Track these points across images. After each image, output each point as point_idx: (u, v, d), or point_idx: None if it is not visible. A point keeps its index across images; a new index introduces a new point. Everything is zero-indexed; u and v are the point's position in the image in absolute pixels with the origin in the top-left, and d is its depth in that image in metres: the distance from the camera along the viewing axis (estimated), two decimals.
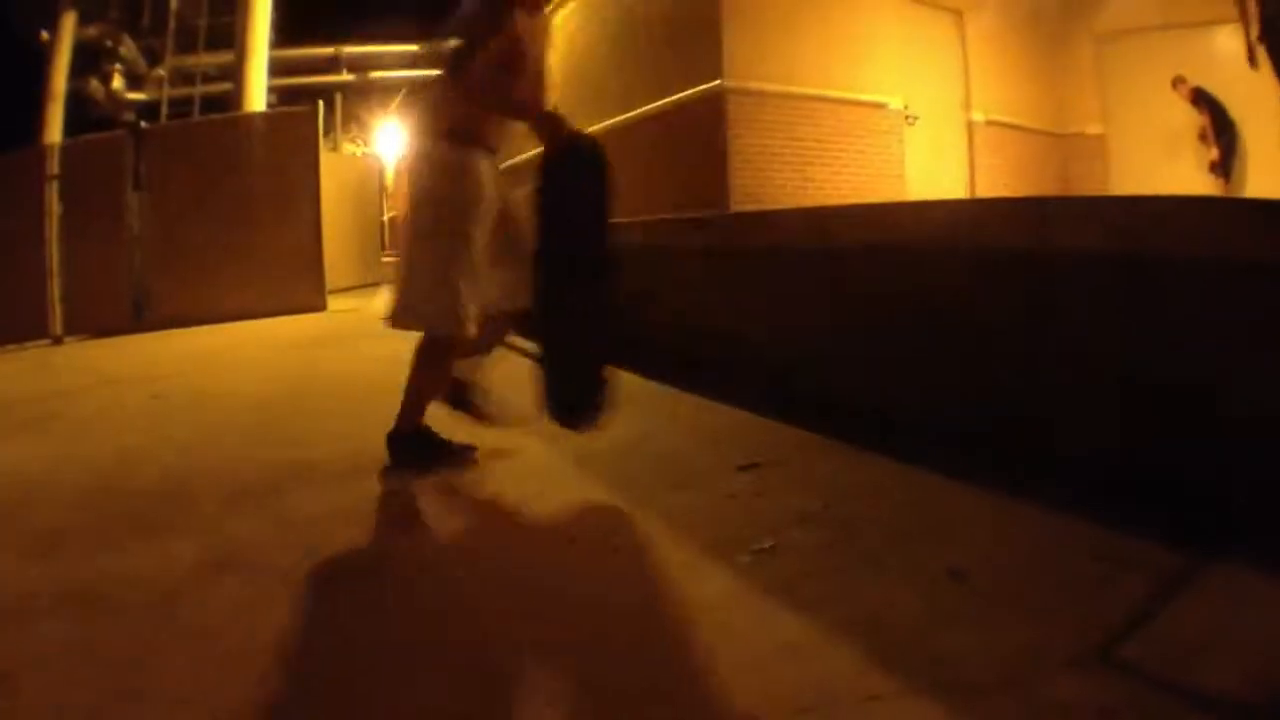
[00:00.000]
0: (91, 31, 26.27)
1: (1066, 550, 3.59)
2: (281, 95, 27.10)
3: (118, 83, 27.94)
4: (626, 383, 7.28)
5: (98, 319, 17.09)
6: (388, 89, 33.15)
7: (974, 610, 3.16)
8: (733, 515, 4.39)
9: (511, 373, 6.34)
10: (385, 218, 32.74)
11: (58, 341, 16.73)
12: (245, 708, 2.95)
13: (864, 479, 4.71)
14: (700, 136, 12.74)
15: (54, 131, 22.43)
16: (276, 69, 24.46)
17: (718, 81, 12.37)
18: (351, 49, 28.99)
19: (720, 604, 3.43)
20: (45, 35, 24.16)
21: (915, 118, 14.41)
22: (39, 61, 24.37)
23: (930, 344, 5.30)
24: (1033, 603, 3.19)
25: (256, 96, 21.31)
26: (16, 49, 25.71)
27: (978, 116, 15.71)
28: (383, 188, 30.31)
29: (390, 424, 5.85)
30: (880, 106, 14.15)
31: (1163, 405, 4.04)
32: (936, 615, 3.15)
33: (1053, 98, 17.57)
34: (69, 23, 24.06)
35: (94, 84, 27.21)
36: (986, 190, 15.52)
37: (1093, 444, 4.33)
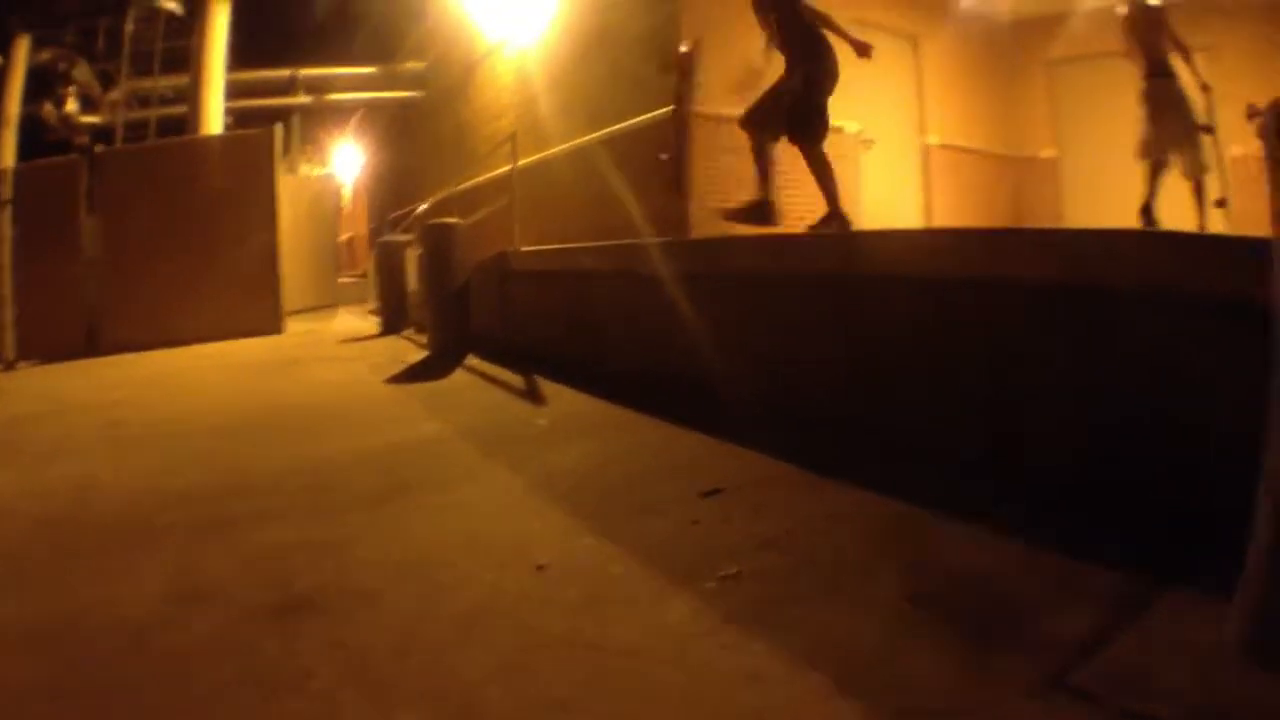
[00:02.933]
0: (45, 55, 26.18)
1: (1024, 577, 3.60)
2: (239, 117, 26.99)
3: (72, 106, 27.77)
4: (588, 407, 7.33)
5: (52, 344, 16.99)
6: (344, 111, 33.15)
7: (934, 636, 3.18)
8: (697, 541, 4.40)
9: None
10: (342, 239, 32.72)
11: (10, 367, 16.70)
12: None
13: (824, 505, 4.71)
14: (657, 161, 12.82)
15: (6, 156, 22.32)
16: (233, 91, 24.36)
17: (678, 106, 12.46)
18: (308, 71, 28.94)
19: (686, 630, 3.44)
20: (1, 60, 24.10)
21: (871, 141, 14.55)
22: None
23: (883, 369, 5.34)
24: (991, 629, 3.20)
25: (214, 119, 21.28)
26: None
27: (932, 140, 15.91)
28: (339, 209, 30.29)
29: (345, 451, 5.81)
30: (836, 130, 14.21)
31: (1118, 432, 4.08)
32: (898, 642, 3.16)
33: (1006, 122, 17.83)
34: (22, 48, 23.94)
35: (47, 108, 27.04)
36: (941, 212, 15.65)
37: (1049, 470, 4.36)
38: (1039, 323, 4.52)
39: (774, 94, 8.91)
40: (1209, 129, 12.03)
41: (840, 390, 5.77)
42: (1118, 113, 16.17)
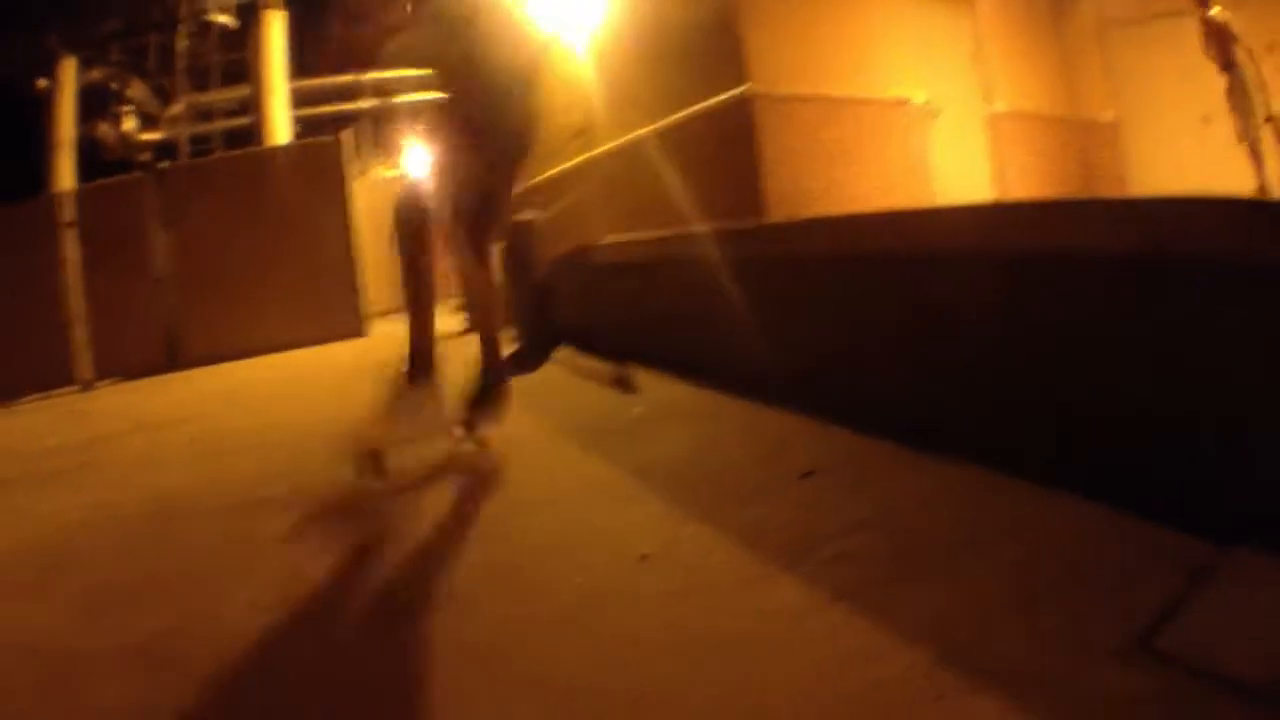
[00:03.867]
0: (95, 75, 26.26)
1: (1107, 544, 3.59)
2: (306, 125, 27.06)
3: (129, 124, 27.82)
4: (678, 394, 7.31)
5: (129, 361, 17.19)
6: (416, 111, 33.28)
7: (1025, 608, 3.17)
8: (796, 524, 4.38)
9: None
10: None
11: (88, 387, 16.93)
12: None
13: (919, 484, 4.70)
14: (730, 144, 12.77)
15: (65, 179, 22.41)
16: (299, 99, 24.49)
17: (743, 87, 12.39)
18: (373, 75, 29.09)
19: (791, 614, 3.44)
20: (44, 83, 24.15)
21: (937, 112, 14.43)
22: (38, 110, 24.32)
23: (965, 344, 5.30)
24: (1078, 597, 3.20)
25: (280, 128, 21.39)
26: (16, 99, 25.67)
27: (998, 107, 15.72)
28: None
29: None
30: (902, 103, 14.16)
31: (1188, 403, 4.03)
32: (992, 615, 3.16)
33: (1066, 85, 17.59)
34: (69, 70, 24.00)
35: (103, 128, 27.06)
36: (1012, 182, 15.52)
37: (1126, 440, 4.32)
38: (1117, 297, 4.46)
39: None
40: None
41: (919, 368, 5.71)
42: (1176, 75, 16.11)
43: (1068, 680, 2.68)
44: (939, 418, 5.34)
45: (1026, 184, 15.78)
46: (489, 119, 6.32)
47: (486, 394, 6.24)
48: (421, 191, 6.28)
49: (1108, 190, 16.82)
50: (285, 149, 19.96)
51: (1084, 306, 4.49)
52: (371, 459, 5.99)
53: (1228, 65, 14.66)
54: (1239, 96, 14.67)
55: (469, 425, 6.24)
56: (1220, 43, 14.71)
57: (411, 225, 6.28)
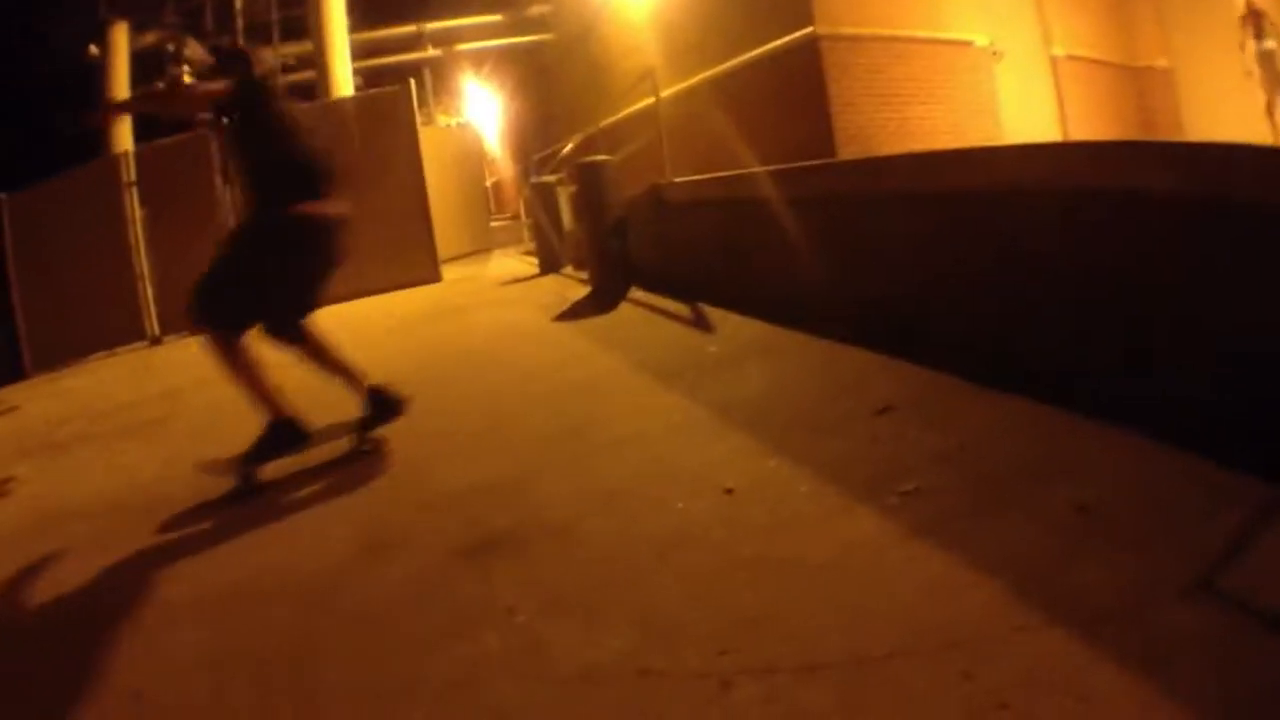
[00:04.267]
0: (149, 38, 26.17)
1: (1175, 483, 3.61)
2: (369, 77, 27.04)
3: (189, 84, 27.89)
4: (754, 332, 7.33)
5: None
6: (476, 59, 33.14)
7: (1098, 544, 3.22)
8: (875, 458, 4.44)
9: None
10: (489, 184, 32.78)
11: (156, 342, 17.10)
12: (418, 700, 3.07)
13: (993, 418, 4.73)
14: (798, 84, 12.79)
15: (124, 140, 22.34)
16: (361, 52, 24.45)
17: (809, 29, 12.39)
18: (434, 25, 29.00)
19: (873, 545, 3.51)
20: (95, 49, 24.05)
21: (1001, 54, 14.39)
22: (93, 75, 24.26)
23: (1040, 284, 5.30)
24: (1147, 535, 3.24)
25: (343, 81, 21.30)
26: (70, 65, 25.64)
27: (1058, 51, 15.64)
28: (483, 155, 30.32)
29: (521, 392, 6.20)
30: (966, 44, 14.13)
31: (1250, 343, 4.05)
32: (1066, 549, 3.21)
33: (1119, 30, 17.47)
34: (121, 33, 23.84)
35: (161, 89, 27.13)
36: (1076, 125, 15.46)
37: (1189, 378, 4.33)
38: (1177, 235, 4.46)
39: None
40: None
41: (988, 303, 5.71)
42: (1224, 28, 16.09)
43: (1135, 616, 2.74)
44: (1007, 353, 5.37)
45: (1088, 127, 15.71)
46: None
47: (374, 408, 6.23)
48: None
49: (1165, 135, 16.75)
50: (352, 100, 19.77)
51: (1145, 244, 4.52)
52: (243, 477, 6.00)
53: (1259, 36, 15.56)
54: (1269, 74, 15.47)
55: (363, 429, 6.27)
56: (1256, 24, 15.63)
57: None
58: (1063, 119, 15.67)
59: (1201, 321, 4.23)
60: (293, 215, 5.93)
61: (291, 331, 6.25)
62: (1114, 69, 17.36)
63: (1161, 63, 17.78)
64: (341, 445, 6.31)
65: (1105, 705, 2.36)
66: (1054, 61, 15.86)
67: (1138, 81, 17.80)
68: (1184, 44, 17.46)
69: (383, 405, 6.18)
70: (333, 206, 6.22)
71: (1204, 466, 3.69)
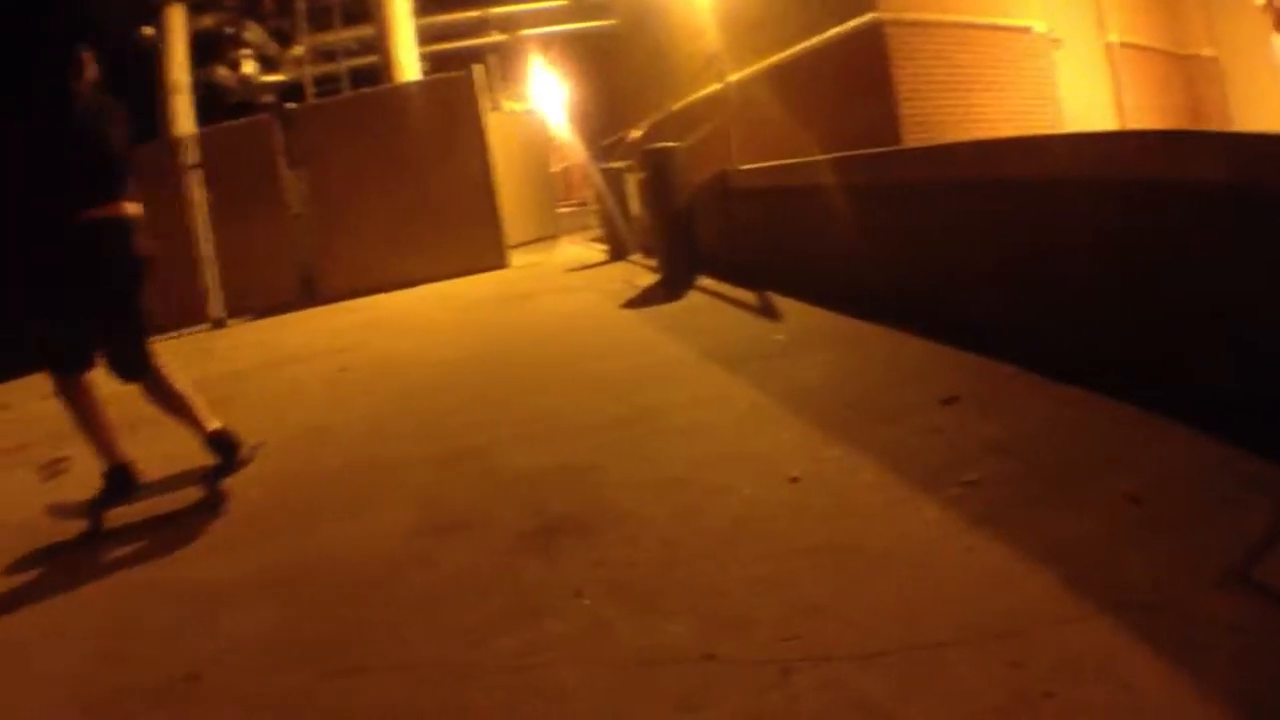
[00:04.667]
0: (207, 21, 26.17)
1: (1214, 474, 3.67)
2: (434, 61, 26.92)
3: (249, 67, 27.83)
4: (821, 320, 7.36)
5: (263, 298, 17.49)
6: (541, 44, 33.00)
7: (1146, 534, 3.28)
8: (938, 448, 4.49)
9: None
10: (556, 170, 32.75)
11: (219, 325, 17.26)
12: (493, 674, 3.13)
13: (1054, 410, 4.78)
14: (862, 69, 12.76)
15: (184, 123, 22.26)
16: (425, 37, 24.31)
17: (873, 14, 12.37)
18: (498, 10, 28.96)
19: (933, 534, 3.57)
20: (149, 30, 24.05)
21: (1060, 40, 14.35)
22: (150, 58, 24.24)
23: (1100, 276, 5.30)
24: (1190, 525, 3.30)
25: (407, 66, 21.25)
26: (126, 48, 25.67)
27: (1113, 38, 15.57)
28: (549, 140, 30.29)
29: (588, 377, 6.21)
30: (1026, 30, 14.09)
31: None
32: (1116, 541, 3.27)
33: (1168, 18, 17.39)
34: (178, 16, 23.77)
35: (222, 71, 27.03)
36: (1131, 113, 15.41)
37: (1242, 372, 4.34)
38: (1225, 227, 4.47)
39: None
40: None
41: (1048, 295, 5.73)
42: (1268, 17, 16.04)
43: (1179, 608, 2.79)
44: (1067, 343, 5.40)
45: (1143, 115, 15.66)
46: None
47: (219, 455, 5.93)
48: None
49: (1213, 125, 16.70)
50: (418, 84, 19.74)
51: (1198, 235, 4.55)
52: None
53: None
54: None
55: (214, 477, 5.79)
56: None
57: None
58: (1119, 106, 15.62)
59: (1257, 312, 4.25)
60: (88, 223, 5.45)
61: (127, 364, 5.82)
62: (1164, 56, 17.34)
63: (1208, 51, 17.82)
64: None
65: (1146, 694, 2.41)
66: (1109, 48, 15.82)
67: (1186, 70, 17.79)
68: (1229, 33, 17.40)
69: (224, 450, 5.77)
70: (131, 207, 5.91)
71: (1244, 459, 3.74)
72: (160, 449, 6.39)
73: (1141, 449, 4.08)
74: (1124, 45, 15.99)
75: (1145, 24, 16.93)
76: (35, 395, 11.63)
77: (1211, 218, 4.47)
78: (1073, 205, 5.47)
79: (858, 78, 13.02)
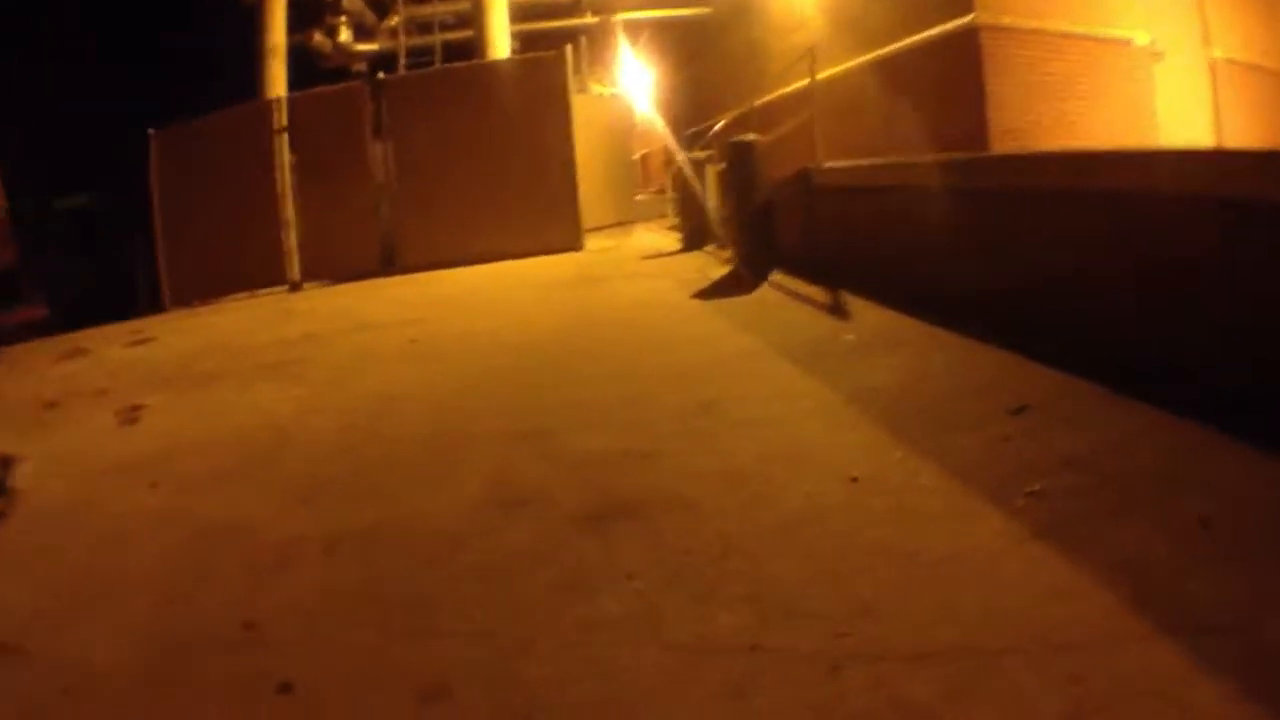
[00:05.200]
0: None
1: None
2: (524, 40, 26.96)
3: (345, 35, 27.91)
4: (893, 323, 7.32)
5: (340, 265, 17.59)
6: (632, 29, 32.98)
7: (1215, 557, 3.23)
8: (1005, 458, 4.44)
9: None
10: (637, 156, 32.79)
11: (296, 288, 17.36)
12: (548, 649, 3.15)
13: (1125, 425, 4.70)
14: (953, 73, 12.74)
15: (278, 85, 22.36)
16: (518, 15, 24.38)
17: (970, 16, 12.33)
18: None
19: (996, 545, 3.54)
20: None
21: (1161, 54, 14.24)
22: (250, 18, 24.41)
23: (1186, 294, 5.25)
24: (1264, 551, 3.23)
25: (500, 43, 21.31)
26: (229, 8, 25.91)
27: (1218, 54, 15.40)
28: (632, 127, 30.30)
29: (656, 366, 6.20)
30: (1126, 42, 14.00)
31: None
32: (1184, 561, 3.21)
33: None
34: None
35: (318, 38, 27.12)
36: (1232, 132, 15.25)
37: None
38: None
39: None
40: None
41: (1128, 310, 5.67)
42: None
43: (1244, 633, 2.74)
44: (1148, 360, 5.34)
45: (1245, 134, 15.49)
46: None
47: None
48: None
49: None
50: (508, 62, 19.81)
51: None
52: None
53: None
54: None
55: None
56: None
57: None
58: (1218, 124, 15.43)
59: None
60: None
61: None
62: (1273, 75, 17.00)
63: None
64: None
65: (1204, 716, 2.37)
66: (1213, 64, 15.60)
67: None
68: None
69: None
70: None
71: None
72: None
73: (1215, 471, 4.01)
74: (1230, 62, 15.78)
75: (1255, 40, 16.68)
76: (114, 343, 11.83)
77: None
78: (1161, 221, 5.41)
79: (949, 81, 13.00)
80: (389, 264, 17.46)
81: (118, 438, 6.80)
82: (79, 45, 31.90)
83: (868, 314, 8.10)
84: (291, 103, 18.38)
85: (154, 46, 32.44)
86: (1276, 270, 4.57)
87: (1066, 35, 13.26)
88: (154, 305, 17.97)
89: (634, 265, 14.80)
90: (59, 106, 30.06)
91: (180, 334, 12.86)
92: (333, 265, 17.61)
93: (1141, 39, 14.13)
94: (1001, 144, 12.18)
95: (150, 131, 18.07)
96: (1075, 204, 6.19)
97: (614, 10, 29.35)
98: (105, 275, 25.35)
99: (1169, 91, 14.43)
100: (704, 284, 11.21)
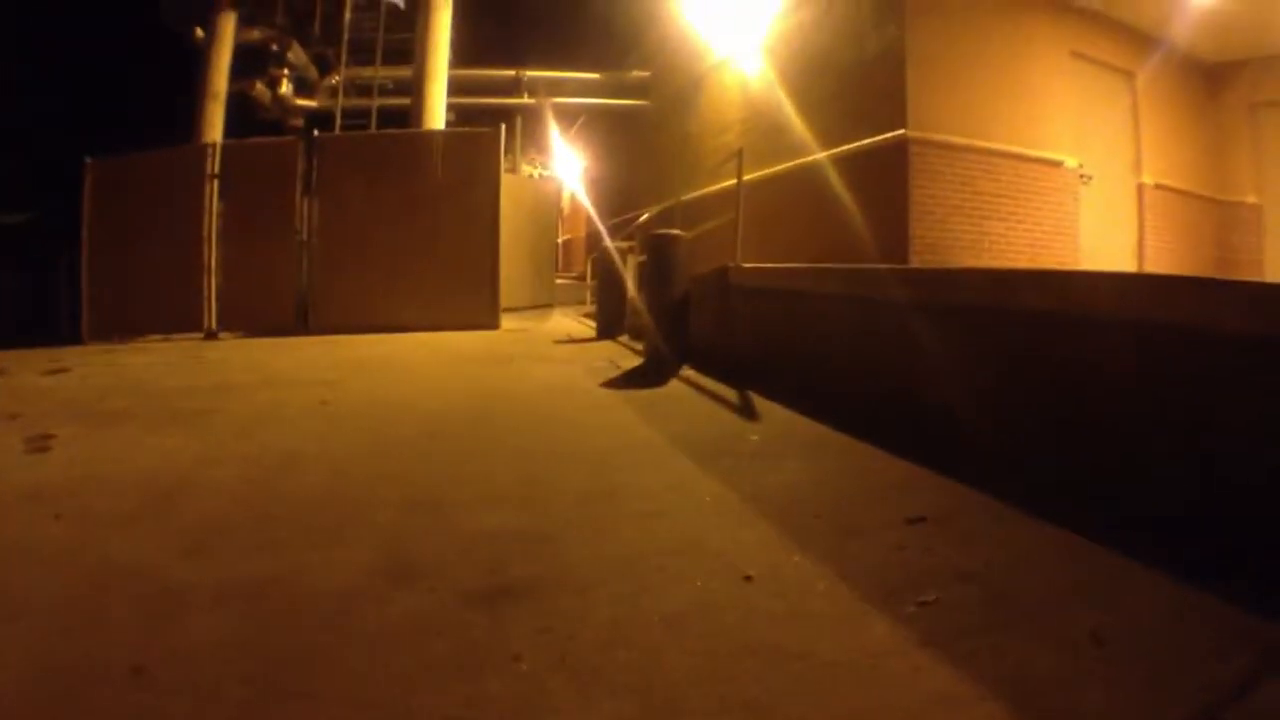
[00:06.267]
0: (255, 34, 26.38)
1: (1191, 618, 3.67)
2: (460, 114, 27.20)
3: (286, 88, 28.10)
4: (800, 426, 7.36)
5: (256, 319, 17.66)
6: (568, 113, 33.30)
7: (1107, 672, 3.26)
8: (900, 566, 4.46)
9: None
10: (560, 240, 33.02)
11: (212, 336, 17.43)
12: None
13: (1023, 540, 4.76)
14: (880, 185, 12.90)
15: (214, 131, 22.47)
16: (456, 88, 24.56)
17: (901, 131, 12.49)
18: (533, 73, 29.26)
19: (882, 650, 3.53)
20: (200, 33, 24.31)
21: (1090, 177, 14.53)
22: (194, 60, 24.56)
23: (1097, 415, 5.30)
24: (1156, 668, 3.28)
25: (436, 113, 21.45)
26: (172, 47, 26.07)
27: (1147, 179, 15.77)
28: (559, 211, 30.52)
29: (558, 450, 6.01)
30: (1057, 165, 14.25)
31: None
32: (1075, 675, 3.25)
33: (1211, 164, 17.55)
34: (228, 23, 23.94)
35: (259, 87, 27.28)
36: (1154, 255, 15.57)
37: (1232, 525, 4.34)
38: (1248, 381, 4.45)
39: None
40: None
41: (1047, 428, 5.73)
42: None
43: None
44: (1046, 477, 5.39)
45: (1165, 257, 15.82)
46: None
47: None
48: None
49: (1245, 273, 16.79)
50: (443, 134, 19.88)
51: (1210, 382, 4.54)
52: None
53: None
54: None
55: None
56: None
57: None
58: (1141, 247, 15.79)
59: (1257, 462, 4.24)
60: None
61: None
62: (1200, 201, 17.49)
63: (1252, 199, 17.82)
64: None
65: None
66: (1141, 189, 16.02)
67: (1223, 215, 17.92)
68: (1278, 180, 17.45)
69: None
70: None
71: (1219, 607, 3.76)
72: None
73: (1112, 591, 4.07)
74: (1158, 187, 16.19)
75: (1184, 168, 17.12)
76: (31, 368, 11.78)
77: (1222, 366, 4.47)
78: (1069, 341, 5.48)
79: (874, 192, 13.16)
80: (303, 323, 17.50)
81: (25, 465, 6.79)
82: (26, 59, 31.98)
83: (776, 415, 8.19)
84: (226, 150, 18.47)
85: (100, 74, 32.67)
86: (1183, 394, 4.64)
87: (999, 154, 13.47)
88: (73, 333, 17.80)
89: (548, 348, 14.89)
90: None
91: (96, 368, 12.86)
92: (250, 318, 17.66)
93: (1072, 162, 14.37)
94: (920, 258, 12.36)
95: (86, 160, 18.00)
96: (989, 321, 6.26)
97: (552, 93, 29.57)
98: (34, 297, 25.23)
99: (1094, 214, 14.72)
100: (615, 373, 11.34)
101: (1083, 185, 14.67)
